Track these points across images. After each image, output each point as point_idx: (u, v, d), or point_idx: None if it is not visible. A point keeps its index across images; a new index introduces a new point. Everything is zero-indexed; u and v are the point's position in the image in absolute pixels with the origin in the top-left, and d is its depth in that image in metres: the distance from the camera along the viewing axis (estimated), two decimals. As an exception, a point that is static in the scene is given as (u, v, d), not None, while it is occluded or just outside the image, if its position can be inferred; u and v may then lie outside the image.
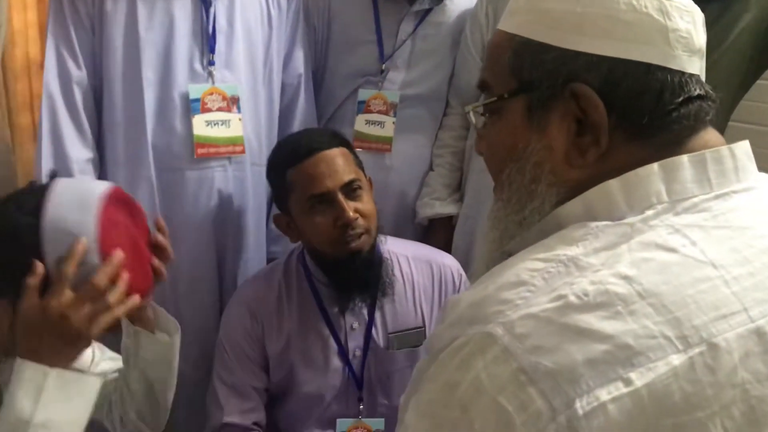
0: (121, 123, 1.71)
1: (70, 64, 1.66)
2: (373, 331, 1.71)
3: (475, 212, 2.05)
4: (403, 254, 1.77)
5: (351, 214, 1.58)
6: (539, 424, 0.62)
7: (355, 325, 1.70)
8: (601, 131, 0.74)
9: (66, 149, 1.65)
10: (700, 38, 0.78)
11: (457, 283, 1.77)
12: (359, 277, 1.63)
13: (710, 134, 0.77)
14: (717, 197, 0.73)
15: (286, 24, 1.89)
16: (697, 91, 0.76)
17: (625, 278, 0.65)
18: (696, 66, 0.77)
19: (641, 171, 0.72)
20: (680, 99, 0.74)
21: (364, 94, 2.02)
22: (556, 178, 0.77)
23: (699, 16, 0.78)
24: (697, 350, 0.64)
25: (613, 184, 0.73)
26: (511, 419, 0.63)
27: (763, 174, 0.80)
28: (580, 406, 0.61)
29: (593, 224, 0.72)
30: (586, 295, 0.65)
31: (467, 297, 0.71)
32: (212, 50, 1.73)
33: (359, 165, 1.68)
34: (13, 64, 2.17)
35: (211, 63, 1.73)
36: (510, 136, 0.79)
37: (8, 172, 1.67)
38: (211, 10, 1.73)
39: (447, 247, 2.06)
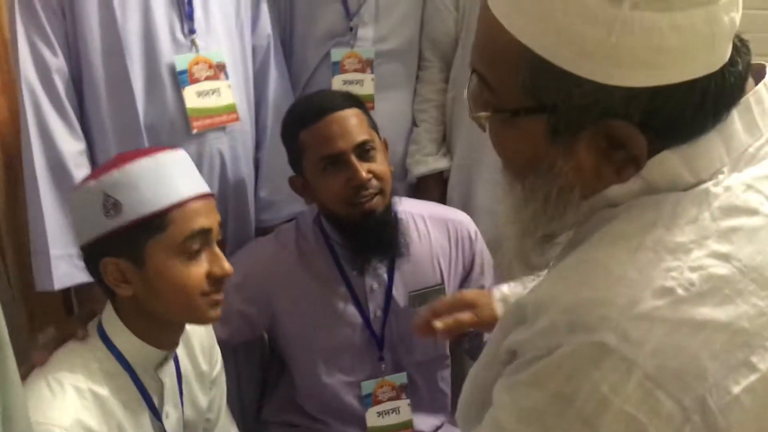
0: (108, 107, 1.61)
1: (46, 52, 1.53)
2: (394, 291, 1.72)
3: (469, 161, 2.06)
4: (419, 214, 1.77)
5: (364, 174, 1.56)
6: (673, 426, 0.61)
7: (375, 286, 1.71)
8: (640, 160, 0.68)
9: (57, 143, 1.55)
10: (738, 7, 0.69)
11: (473, 238, 1.79)
12: (375, 237, 1.62)
13: (749, 84, 0.72)
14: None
15: None
16: (733, 73, 0.69)
17: (723, 257, 0.65)
18: (730, 46, 0.69)
19: (702, 139, 0.68)
20: (719, 98, 0.68)
21: (336, 54, 1.95)
22: (588, 191, 0.73)
23: None
24: None
25: (671, 156, 0.68)
26: (643, 427, 0.62)
27: None
28: (713, 401, 0.61)
29: (658, 197, 0.68)
30: (692, 285, 0.63)
31: (557, 301, 0.67)
32: (191, 17, 1.63)
33: (373, 126, 1.65)
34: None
35: (193, 31, 1.63)
36: (529, 149, 0.72)
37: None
38: (182, -25, 1.62)
39: (441, 202, 2.07)
